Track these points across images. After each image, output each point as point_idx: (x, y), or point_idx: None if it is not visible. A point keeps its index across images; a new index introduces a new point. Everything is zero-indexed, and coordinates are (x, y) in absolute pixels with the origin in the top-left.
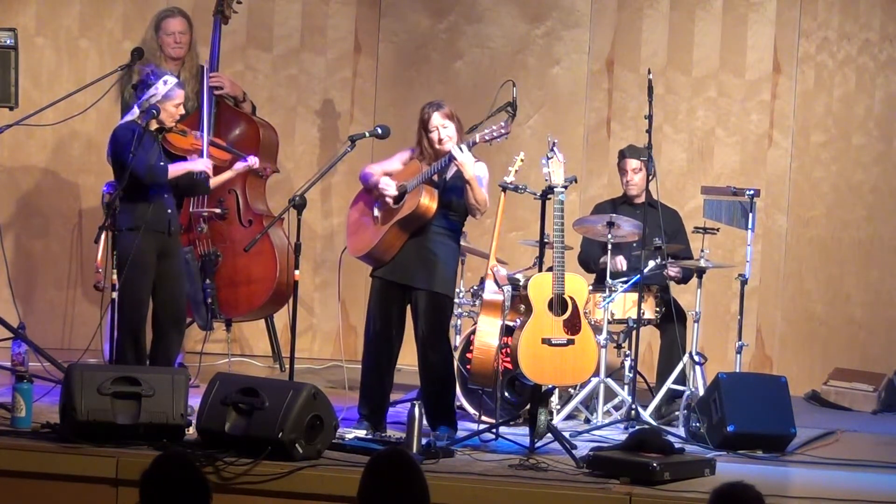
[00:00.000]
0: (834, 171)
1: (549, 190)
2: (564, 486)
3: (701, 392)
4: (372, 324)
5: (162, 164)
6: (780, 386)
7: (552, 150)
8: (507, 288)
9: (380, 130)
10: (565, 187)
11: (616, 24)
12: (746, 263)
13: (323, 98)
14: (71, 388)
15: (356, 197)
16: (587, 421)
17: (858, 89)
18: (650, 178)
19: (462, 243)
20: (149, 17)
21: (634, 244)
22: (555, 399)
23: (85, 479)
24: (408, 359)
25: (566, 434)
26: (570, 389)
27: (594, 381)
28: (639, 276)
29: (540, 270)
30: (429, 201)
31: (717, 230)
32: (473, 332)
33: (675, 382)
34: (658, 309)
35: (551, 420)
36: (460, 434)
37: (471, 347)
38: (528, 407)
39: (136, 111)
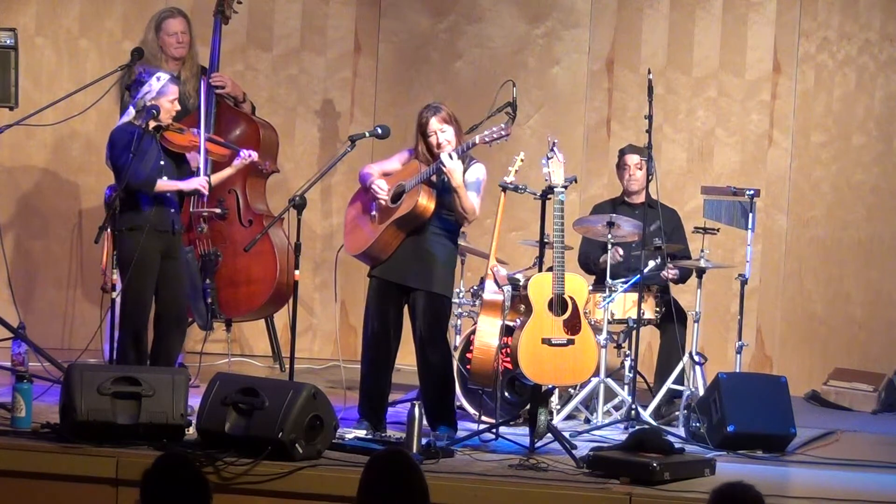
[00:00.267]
0: (834, 171)
1: (549, 190)
2: (564, 486)
3: (701, 392)
4: (370, 324)
5: (162, 162)
6: (780, 386)
7: (552, 150)
8: (507, 288)
9: (380, 130)
10: (565, 187)
11: (616, 24)
12: (746, 263)
13: (323, 98)
14: (71, 387)
15: (354, 195)
16: (587, 421)
17: (858, 89)
18: (650, 178)
19: (462, 243)
20: (149, 18)
21: (634, 244)
22: (555, 399)
23: (85, 479)
24: (408, 359)
25: (566, 434)
26: (570, 389)
27: (594, 381)
28: (639, 276)
29: (540, 270)
30: (427, 201)
31: (717, 230)
32: (473, 332)
33: (675, 382)
34: (658, 309)
35: (551, 420)
36: (460, 434)
37: (471, 347)
38: (528, 407)
39: (132, 112)
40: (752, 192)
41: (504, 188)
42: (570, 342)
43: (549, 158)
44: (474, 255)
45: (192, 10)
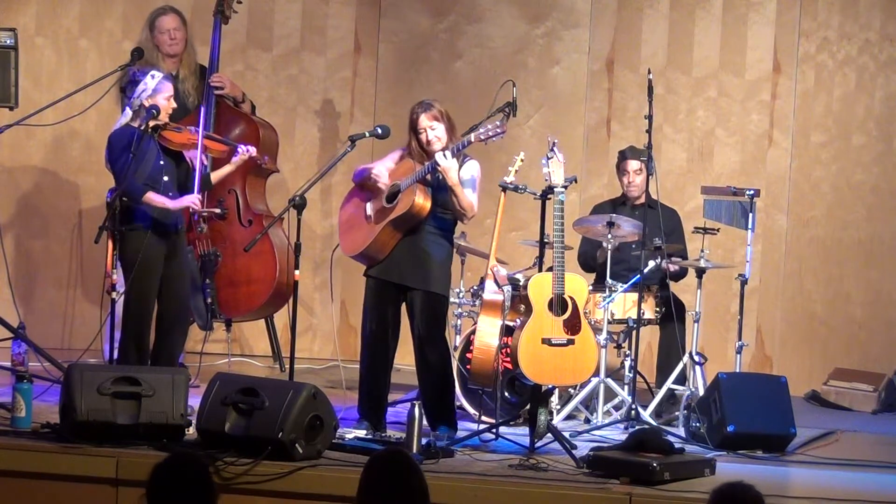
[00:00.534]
0: (834, 171)
1: (549, 190)
2: (564, 486)
3: (701, 392)
4: (367, 324)
5: (163, 161)
6: (780, 386)
7: (552, 150)
8: (507, 288)
9: (380, 130)
10: (565, 187)
11: (616, 24)
12: (746, 263)
13: (323, 98)
14: (71, 387)
15: (348, 195)
16: (587, 421)
17: (858, 89)
18: (650, 176)
19: (462, 243)
20: None
21: (634, 244)
22: (555, 399)
23: (85, 479)
24: (408, 359)
25: (566, 434)
26: (570, 389)
27: (594, 381)
28: (639, 276)
29: (540, 270)
30: (423, 201)
31: (717, 230)
32: (473, 332)
33: (675, 382)
34: (658, 309)
35: (551, 420)
36: (460, 434)
37: (471, 347)
38: (528, 407)
39: (129, 113)
40: (752, 192)
41: (504, 188)
42: (570, 342)
43: (549, 158)
44: (474, 255)
45: (192, 10)
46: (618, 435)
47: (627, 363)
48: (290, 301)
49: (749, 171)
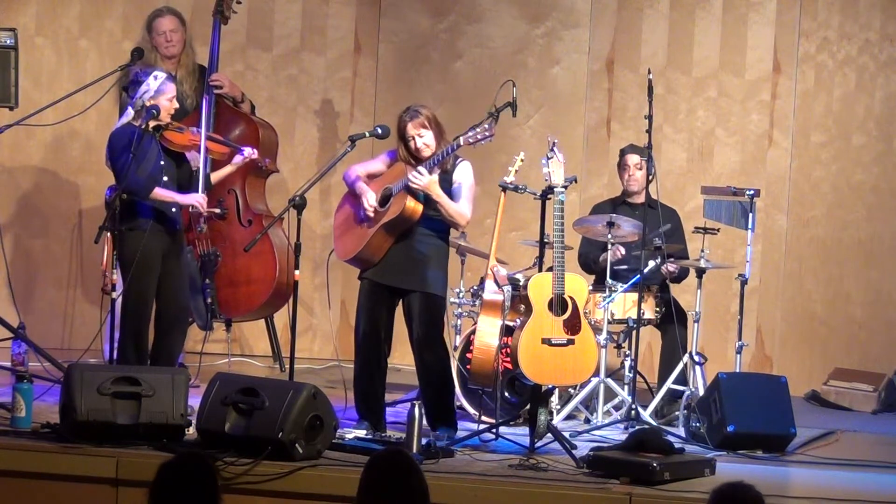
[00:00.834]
0: (834, 171)
1: (549, 190)
2: (564, 486)
3: (701, 392)
4: (361, 325)
5: (162, 162)
6: (780, 386)
7: (552, 150)
8: (507, 288)
9: (380, 130)
10: (565, 187)
11: (616, 24)
12: (746, 263)
13: (323, 98)
14: (71, 388)
15: (341, 200)
16: (587, 421)
17: (858, 89)
18: (650, 178)
19: (462, 243)
20: None
21: (634, 244)
22: (555, 399)
23: (85, 479)
24: (408, 359)
25: (566, 434)
26: (570, 389)
27: (594, 381)
28: (639, 276)
29: (540, 270)
30: (414, 204)
31: (717, 230)
32: (473, 332)
33: (675, 382)
34: (658, 309)
35: (551, 420)
36: (460, 434)
37: (471, 347)
38: (528, 407)
39: (130, 112)
40: (752, 192)
41: (504, 188)
42: (570, 342)
43: (549, 158)
44: (474, 255)
45: (191, 10)
46: (618, 435)
47: (627, 363)
48: (290, 301)
49: (749, 171)
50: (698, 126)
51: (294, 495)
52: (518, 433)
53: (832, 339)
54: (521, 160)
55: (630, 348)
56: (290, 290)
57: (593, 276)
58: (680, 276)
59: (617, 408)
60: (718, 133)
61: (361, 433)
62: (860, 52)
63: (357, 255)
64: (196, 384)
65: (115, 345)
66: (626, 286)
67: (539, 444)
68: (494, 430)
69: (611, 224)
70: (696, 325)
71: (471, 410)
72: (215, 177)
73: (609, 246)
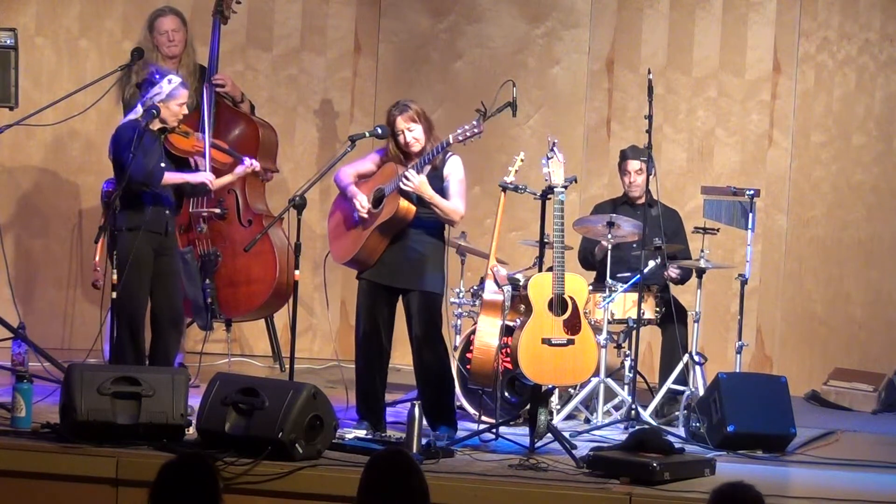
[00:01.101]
0: (834, 171)
1: (549, 190)
2: (564, 486)
3: (701, 392)
4: (361, 326)
5: (163, 164)
6: (780, 386)
7: (552, 150)
8: (507, 288)
9: (380, 130)
10: (565, 187)
11: (616, 23)
12: (746, 263)
13: (323, 98)
14: (71, 388)
15: (334, 202)
16: (587, 421)
17: (858, 89)
18: (650, 175)
19: (462, 243)
20: None
21: (634, 244)
22: (555, 399)
23: (85, 479)
24: (408, 359)
25: (566, 434)
26: (570, 389)
27: (594, 381)
28: (639, 275)
29: (540, 270)
30: (408, 205)
31: (717, 230)
32: (473, 332)
33: (675, 382)
34: (658, 309)
35: (551, 420)
36: (460, 434)
37: (471, 347)
38: (528, 407)
39: (139, 109)
40: (752, 192)
41: (504, 188)
42: (570, 342)
43: (549, 158)
44: (474, 255)
45: (191, 10)
46: (618, 435)
47: (627, 363)
48: (290, 301)
49: (749, 171)
50: (698, 126)
51: (294, 495)
52: (518, 433)
53: (832, 339)
54: (521, 160)
55: (630, 348)
56: (290, 290)
57: (593, 276)
58: (683, 279)
59: (617, 408)
60: (718, 133)
61: (361, 433)
62: (860, 52)
63: (354, 257)
64: (196, 384)
65: (113, 343)
66: (626, 286)
67: (539, 444)
68: (494, 430)
69: (611, 224)
70: (696, 325)
71: (471, 410)
72: (215, 184)
73: (606, 243)
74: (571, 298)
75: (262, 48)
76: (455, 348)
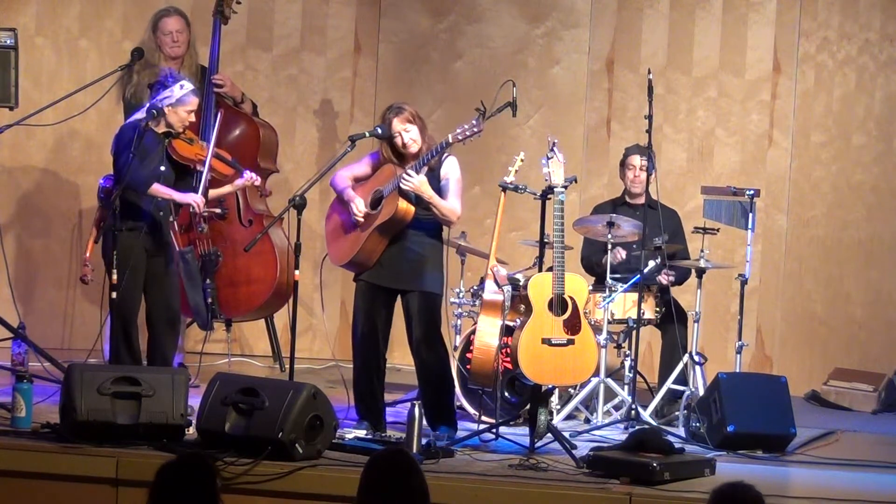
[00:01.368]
0: (834, 171)
1: (549, 190)
2: (564, 486)
3: (701, 392)
4: (359, 327)
5: (163, 168)
6: (780, 386)
7: (552, 150)
8: (507, 288)
9: (380, 130)
10: (565, 187)
11: (616, 24)
12: (746, 263)
13: (323, 98)
14: (71, 388)
15: (332, 205)
16: (587, 421)
17: (858, 89)
18: (650, 175)
19: (462, 243)
20: (149, 18)
21: (634, 244)
22: (555, 399)
23: (85, 479)
24: (408, 359)
25: (566, 434)
26: (570, 389)
27: (594, 381)
28: (639, 276)
29: (540, 270)
30: (406, 205)
31: (717, 230)
32: (473, 332)
33: (675, 382)
34: (658, 309)
35: (551, 420)
36: (460, 434)
37: (471, 347)
38: (528, 407)
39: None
40: (752, 192)
41: (504, 188)
42: (570, 342)
43: (549, 158)
44: (474, 255)
45: (191, 11)
46: (618, 435)
47: (627, 363)
48: (290, 301)
49: (749, 171)
50: (698, 126)
51: (294, 495)
52: (518, 433)
53: (832, 339)
54: (521, 160)
55: (630, 348)
56: (290, 290)
57: (594, 277)
58: (680, 280)
59: (617, 408)
60: (718, 133)
61: (361, 433)
62: (860, 52)
63: (352, 259)
64: (196, 384)
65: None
66: (626, 286)
67: (539, 444)
68: (494, 430)
69: (611, 224)
70: (696, 325)
71: (471, 410)
72: (213, 193)
73: (609, 248)
74: (571, 298)
75: (262, 48)
76: (455, 348)
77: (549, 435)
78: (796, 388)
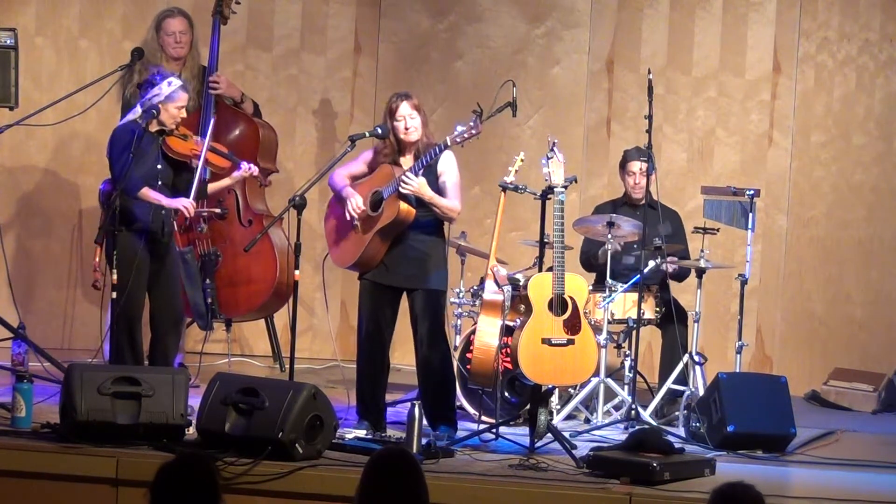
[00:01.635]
0: (834, 171)
1: (549, 190)
2: (564, 486)
3: (701, 392)
4: (364, 325)
5: (159, 167)
6: (780, 386)
7: (552, 150)
8: (507, 288)
9: (380, 130)
10: (565, 187)
11: (616, 24)
12: (746, 263)
13: (323, 98)
14: (71, 388)
15: (330, 206)
16: (587, 421)
17: (858, 89)
18: (650, 176)
19: (462, 243)
20: (149, 18)
21: (635, 244)
22: (555, 399)
23: (85, 479)
24: (408, 359)
25: (566, 434)
26: (570, 389)
27: (594, 381)
28: (639, 276)
29: (540, 270)
30: (408, 208)
31: (717, 230)
32: (473, 332)
33: (675, 382)
34: (658, 309)
35: (551, 420)
36: (460, 434)
37: (471, 347)
38: (528, 407)
39: (138, 110)
40: (752, 192)
41: (504, 188)
42: (570, 342)
43: (549, 158)
44: (474, 255)
45: (191, 11)
46: (618, 435)
47: (627, 363)
48: (290, 301)
49: (749, 171)
50: (698, 126)
51: (294, 495)
52: (518, 433)
53: (832, 339)
54: (521, 160)
55: (630, 348)
56: (290, 290)
57: (593, 277)
58: (681, 275)
59: (617, 408)
60: (718, 133)
61: (361, 433)
62: (860, 52)
63: (356, 261)
64: (196, 384)
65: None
66: (626, 286)
67: (539, 444)
68: (494, 430)
69: (611, 224)
70: (696, 325)
71: (471, 410)
72: (212, 187)
73: (608, 246)
74: (571, 298)
75: (262, 48)
76: (455, 348)
77: (549, 435)
78: (796, 388)
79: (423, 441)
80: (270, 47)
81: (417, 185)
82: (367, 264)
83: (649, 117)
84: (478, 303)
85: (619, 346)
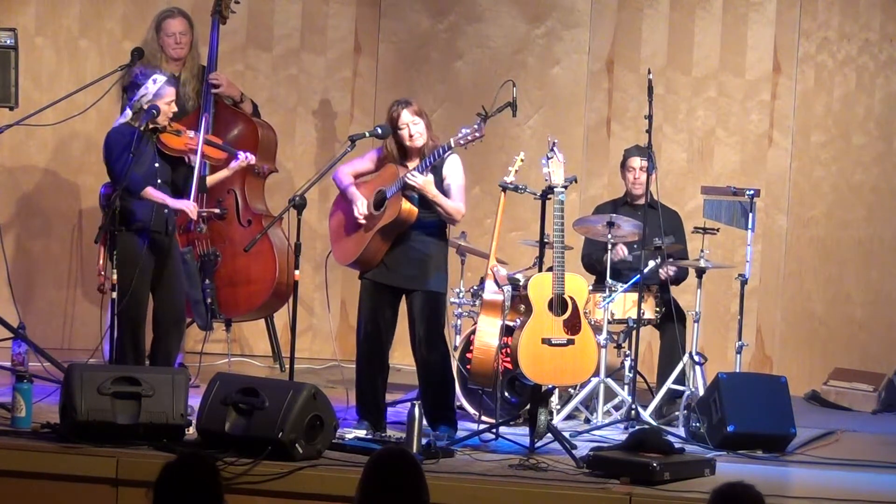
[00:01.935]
0: (834, 171)
1: (549, 190)
2: (564, 486)
3: (701, 392)
4: (363, 325)
5: (157, 164)
6: (780, 386)
7: (552, 150)
8: (507, 288)
9: (380, 130)
10: (565, 187)
11: (616, 24)
12: (746, 263)
13: (323, 98)
14: (71, 388)
15: (335, 203)
16: (587, 421)
17: (858, 89)
18: (650, 175)
19: (462, 243)
20: (149, 18)
21: (635, 244)
22: (555, 399)
23: (85, 479)
24: (408, 359)
25: (566, 434)
26: (570, 389)
27: (594, 381)
28: (639, 276)
29: (540, 270)
30: (410, 207)
31: (717, 230)
32: (473, 332)
33: (675, 382)
34: (658, 309)
35: (551, 420)
36: (460, 434)
37: (471, 347)
38: (528, 407)
39: (128, 113)
40: (752, 192)
41: (504, 188)
42: (570, 342)
43: (549, 158)
44: (474, 255)
45: (190, 11)
46: (618, 435)
47: (627, 363)
48: (290, 301)
49: (749, 171)
50: (698, 126)
51: (294, 495)
52: (518, 433)
53: (832, 339)
54: (521, 160)
55: (630, 348)
56: (289, 290)
57: (594, 277)
58: (679, 278)
59: (617, 408)
60: (718, 133)
61: (361, 433)
62: (860, 52)
63: (357, 259)
64: (196, 384)
65: (114, 344)
66: (626, 286)
67: (539, 444)
68: (494, 430)
69: (611, 224)
70: (695, 325)
71: (471, 410)
72: (211, 180)
73: (609, 246)
74: (571, 298)
75: (262, 48)
76: (455, 348)
77: (549, 435)
78: (796, 388)
79: (423, 441)
80: (270, 47)
81: (423, 180)
82: (368, 263)
83: (649, 117)
84: (478, 303)
85: (619, 346)
